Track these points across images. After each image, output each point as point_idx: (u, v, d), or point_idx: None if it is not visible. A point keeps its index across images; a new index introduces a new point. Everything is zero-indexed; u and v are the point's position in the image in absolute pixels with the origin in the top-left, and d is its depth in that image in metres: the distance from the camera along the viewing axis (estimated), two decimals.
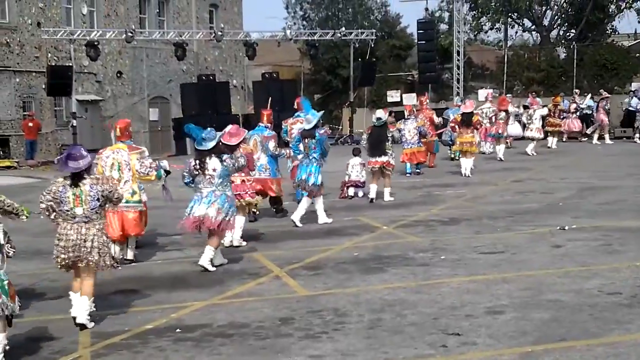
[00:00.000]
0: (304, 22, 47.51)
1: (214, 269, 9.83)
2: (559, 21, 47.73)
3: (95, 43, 30.00)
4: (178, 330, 7.30)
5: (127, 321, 7.67)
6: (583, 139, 29.56)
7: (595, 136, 28.85)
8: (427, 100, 24.98)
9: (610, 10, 45.75)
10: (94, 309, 7.66)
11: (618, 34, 48.28)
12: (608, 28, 47.69)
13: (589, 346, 6.34)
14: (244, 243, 11.47)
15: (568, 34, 48.07)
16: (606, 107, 28.95)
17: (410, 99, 35.58)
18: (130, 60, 35.26)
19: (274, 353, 6.52)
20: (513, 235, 11.48)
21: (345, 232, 12.29)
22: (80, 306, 7.52)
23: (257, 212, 13.59)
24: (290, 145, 14.18)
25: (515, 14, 47.64)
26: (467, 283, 8.65)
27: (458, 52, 36.38)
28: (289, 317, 7.57)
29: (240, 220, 11.23)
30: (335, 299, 8.21)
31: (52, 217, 7.67)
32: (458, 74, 36.31)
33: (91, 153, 8.03)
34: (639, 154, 24.06)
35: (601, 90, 30.52)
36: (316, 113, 13.33)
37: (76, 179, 7.57)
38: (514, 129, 26.32)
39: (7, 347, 6.54)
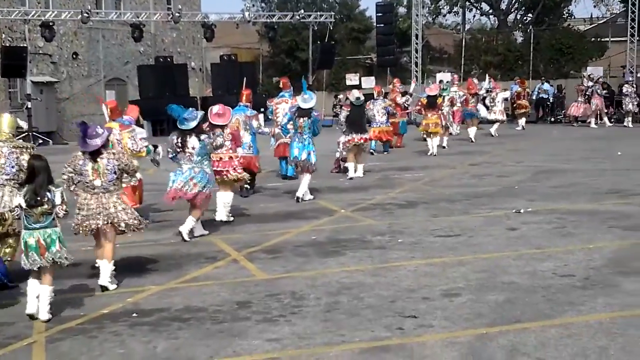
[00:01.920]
0: (263, 4, 47.29)
1: (189, 239, 10.44)
2: (516, 5, 48.13)
3: (51, 24, 29.59)
4: (134, 314, 7.26)
5: (83, 306, 7.61)
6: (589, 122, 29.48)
7: (593, 119, 29.00)
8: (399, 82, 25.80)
9: None
10: (115, 272, 8.31)
11: (574, 18, 48.88)
12: (564, 12, 48.24)
13: (543, 327, 6.43)
14: (232, 218, 11.93)
15: (525, 18, 48.53)
16: (598, 91, 28.94)
17: (369, 82, 35.66)
18: (86, 41, 34.80)
19: (231, 337, 6.51)
20: (469, 218, 11.59)
21: (303, 215, 12.30)
22: (102, 269, 8.18)
23: (250, 189, 14.16)
24: (281, 123, 14.80)
25: None
26: (423, 266, 8.71)
27: (416, 36, 36.47)
28: (246, 301, 7.56)
29: (228, 196, 11.91)
30: (293, 282, 8.22)
31: (72, 189, 8.30)
32: (416, 58, 36.44)
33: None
34: (594, 138, 24.41)
35: (592, 74, 30.61)
36: (312, 94, 13.78)
37: (95, 154, 8.21)
38: (480, 110, 26.81)
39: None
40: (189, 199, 10.46)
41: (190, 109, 10.69)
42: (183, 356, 6.13)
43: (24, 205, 7.17)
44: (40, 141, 29.22)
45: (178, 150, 10.45)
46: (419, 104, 21.54)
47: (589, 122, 29.02)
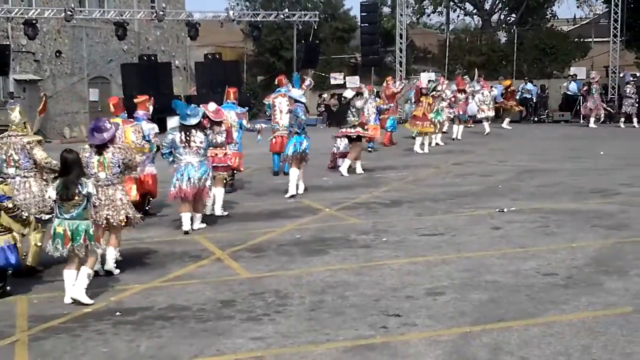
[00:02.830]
0: (247, 3, 47.16)
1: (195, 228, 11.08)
2: (499, 5, 48.30)
3: (34, 22, 29.41)
4: (118, 313, 7.24)
5: (66, 304, 7.56)
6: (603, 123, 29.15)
7: (592, 119, 28.93)
8: (392, 81, 26.09)
9: None
10: (120, 258, 8.77)
11: (557, 18, 49.12)
12: (548, 13, 48.47)
13: (526, 326, 6.46)
14: (226, 213, 12.30)
15: (509, 18, 48.73)
16: (592, 91, 28.83)
17: (353, 82, 35.66)
18: (69, 39, 34.64)
19: (216, 335, 6.50)
20: (453, 217, 11.62)
21: (287, 214, 12.30)
22: (108, 255, 8.60)
23: (232, 184, 14.61)
24: (279, 119, 15.98)
25: None
26: (407, 265, 8.73)
27: (401, 35, 36.49)
28: (230, 300, 7.55)
29: (220, 192, 12.22)
30: (277, 281, 8.22)
31: None
32: (400, 57, 36.46)
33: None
34: (577, 138, 24.55)
35: (593, 74, 30.49)
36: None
37: (101, 148, 8.58)
38: (472, 107, 27.19)
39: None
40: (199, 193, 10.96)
41: (192, 105, 11.32)
42: (167, 355, 6.12)
43: (54, 197, 7.59)
44: None
45: (182, 145, 10.79)
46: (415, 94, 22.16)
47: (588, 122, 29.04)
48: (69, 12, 29.84)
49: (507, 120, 28.91)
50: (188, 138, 10.81)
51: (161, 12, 32.92)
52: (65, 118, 34.16)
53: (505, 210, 11.83)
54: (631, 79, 30.29)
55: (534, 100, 33.27)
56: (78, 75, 34.90)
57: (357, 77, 36.65)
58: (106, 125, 8.60)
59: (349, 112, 19.27)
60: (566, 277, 7.96)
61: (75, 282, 7.56)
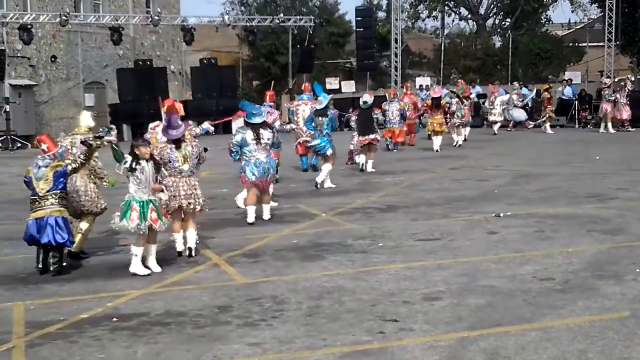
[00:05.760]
0: (242, 8, 47.22)
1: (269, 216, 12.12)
2: (494, 10, 48.43)
3: (29, 26, 29.41)
4: (114, 319, 7.22)
5: (62, 310, 7.56)
6: (631, 129, 28.22)
7: (602, 125, 28.50)
8: (410, 87, 27.37)
9: (545, 0, 46.57)
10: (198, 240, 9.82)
11: (552, 23, 49.23)
12: (542, 18, 48.61)
13: (523, 331, 6.46)
14: (275, 204, 13.19)
15: (504, 22, 48.88)
16: (607, 97, 28.43)
17: (349, 86, 35.72)
18: (64, 44, 34.61)
19: (212, 341, 6.50)
20: (449, 222, 11.62)
21: (284, 219, 12.29)
22: (191, 236, 9.68)
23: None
24: (304, 123, 16.66)
25: (452, 3, 48.21)
26: (404, 270, 8.73)
27: (396, 40, 36.58)
28: (227, 305, 7.54)
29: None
30: (274, 286, 8.21)
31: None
32: (396, 62, 36.53)
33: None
34: (573, 143, 24.58)
35: (605, 80, 30.14)
36: (326, 95, 15.63)
37: (178, 142, 9.63)
38: (519, 114, 28.56)
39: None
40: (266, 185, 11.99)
41: (256, 105, 12.39)
42: None
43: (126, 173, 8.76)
44: (19, 144, 29.00)
45: (254, 142, 11.67)
46: (425, 105, 23.80)
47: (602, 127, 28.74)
48: (64, 17, 29.85)
49: (547, 125, 29.05)
50: (258, 136, 11.68)
51: (156, 17, 32.94)
52: (61, 123, 34.05)
53: (501, 215, 11.84)
54: None
55: (530, 105, 33.28)
56: (73, 80, 34.87)
57: (352, 82, 36.71)
58: (178, 122, 9.64)
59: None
60: (563, 282, 7.96)
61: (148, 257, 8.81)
